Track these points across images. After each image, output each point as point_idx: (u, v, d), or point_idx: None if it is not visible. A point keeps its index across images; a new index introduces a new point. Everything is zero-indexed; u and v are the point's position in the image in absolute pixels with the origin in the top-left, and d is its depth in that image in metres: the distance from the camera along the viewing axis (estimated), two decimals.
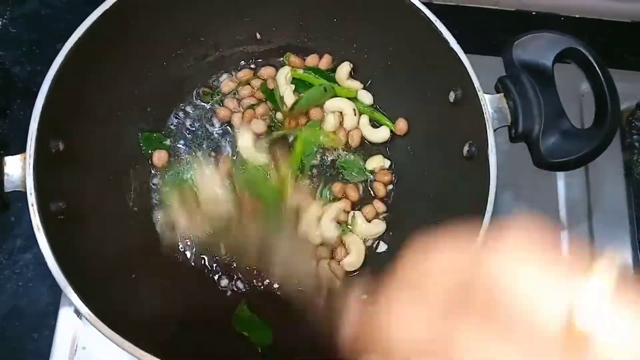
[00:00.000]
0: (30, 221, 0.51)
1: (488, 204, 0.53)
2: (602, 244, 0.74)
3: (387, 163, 0.72)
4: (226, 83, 0.75)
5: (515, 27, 0.87)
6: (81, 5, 0.82)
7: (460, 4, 0.88)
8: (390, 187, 0.71)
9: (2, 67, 0.80)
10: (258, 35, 0.74)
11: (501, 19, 0.88)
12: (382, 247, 0.69)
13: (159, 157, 0.70)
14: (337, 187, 0.70)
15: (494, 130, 0.55)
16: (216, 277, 0.68)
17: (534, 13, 0.89)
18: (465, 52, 0.58)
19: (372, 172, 0.72)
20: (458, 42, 0.58)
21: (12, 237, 0.73)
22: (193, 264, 0.68)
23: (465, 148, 0.59)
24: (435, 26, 0.58)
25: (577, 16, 0.89)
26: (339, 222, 0.68)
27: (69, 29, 0.57)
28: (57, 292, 0.69)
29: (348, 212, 0.69)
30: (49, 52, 0.56)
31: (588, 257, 0.22)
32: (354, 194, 0.70)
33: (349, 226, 0.69)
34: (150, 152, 0.71)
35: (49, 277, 0.54)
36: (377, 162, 0.71)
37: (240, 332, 0.64)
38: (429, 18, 0.58)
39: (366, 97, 0.73)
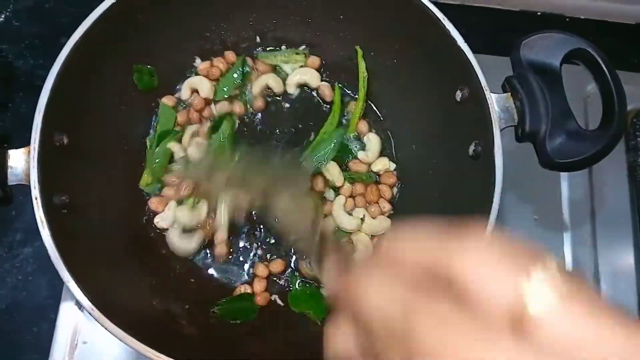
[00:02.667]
0: (31, 215, 0.51)
1: (493, 204, 0.53)
2: (605, 246, 0.74)
3: (393, 166, 0.72)
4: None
5: (520, 27, 0.87)
6: None
7: (464, 3, 0.88)
8: (395, 188, 0.71)
9: (5, 61, 0.80)
10: (264, 31, 0.73)
11: (506, 19, 0.88)
12: None
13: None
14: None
15: (501, 130, 0.55)
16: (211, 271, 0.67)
17: (539, 13, 0.89)
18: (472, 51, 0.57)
19: (377, 174, 0.72)
20: (466, 44, 0.57)
21: (13, 231, 0.73)
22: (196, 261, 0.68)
23: (471, 147, 0.59)
24: (443, 24, 0.58)
25: (582, 17, 0.89)
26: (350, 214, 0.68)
27: (72, 22, 0.56)
28: (57, 285, 0.69)
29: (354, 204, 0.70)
30: (51, 45, 0.56)
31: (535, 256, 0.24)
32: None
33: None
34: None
35: (49, 270, 0.54)
36: (382, 165, 0.71)
37: (300, 312, 0.64)
38: (436, 16, 0.58)
39: None
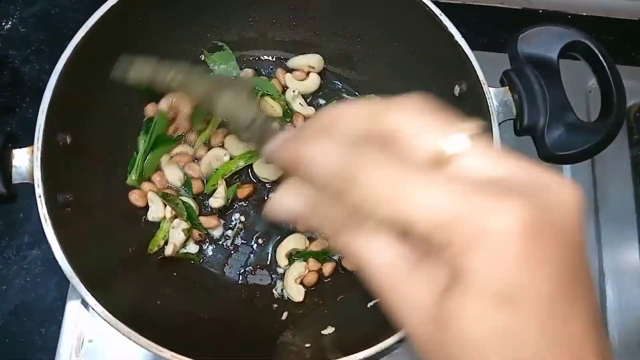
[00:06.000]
0: (39, 218, 0.51)
1: None
2: (609, 242, 0.74)
3: None
4: None
5: (522, 25, 0.86)
6: (90, 4, 0.82)
7: (466, 2, 0.88)
8: None
9: (12, 66, 0.81)
10: (265, 31, 0.74)
11: (508, 18, 0.88)
12: None
13: None
14: None
15: (499, 124, 0.55)
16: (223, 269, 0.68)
17: (540, 11, 0.89)
18: (471, 48, 0.57)
19: None
20: (464, 40, 0.58)
21: (21, 234, 0.73)
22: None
23: None
24: (440, 20, 0.58)
25: (585, 14, 0.89)
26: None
27: (78, 28, 0.57)
28: (64, 287, 0.70)
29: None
30: (57, 51, 0.57)
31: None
32: None
33: None
34: None
35: (57, 273, 0.54)
36: None
37: None
38: (434, 12, 0.58)
39: None
